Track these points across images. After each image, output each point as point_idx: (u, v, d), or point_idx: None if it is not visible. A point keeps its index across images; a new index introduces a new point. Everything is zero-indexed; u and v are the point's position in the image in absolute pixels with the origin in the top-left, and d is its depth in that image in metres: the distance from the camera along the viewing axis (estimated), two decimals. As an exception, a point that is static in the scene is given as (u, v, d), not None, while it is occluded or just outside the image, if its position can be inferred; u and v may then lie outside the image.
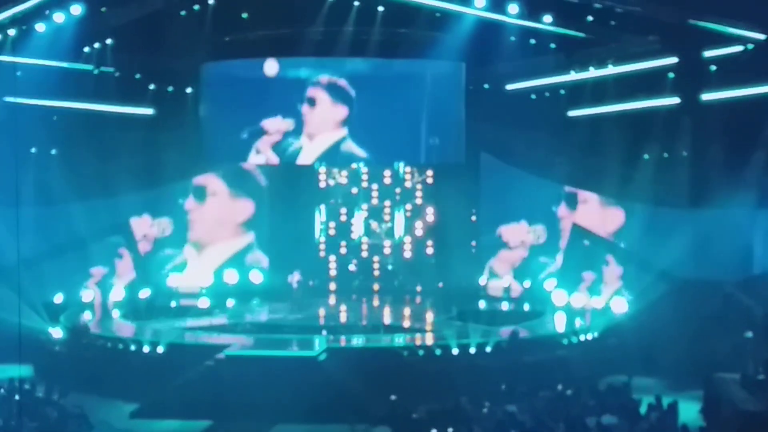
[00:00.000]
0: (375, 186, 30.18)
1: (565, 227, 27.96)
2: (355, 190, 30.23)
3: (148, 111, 27.24)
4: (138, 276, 28.32)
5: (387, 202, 30.20)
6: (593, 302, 26.00)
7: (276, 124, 27.49)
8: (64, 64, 24.29)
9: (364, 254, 30.28)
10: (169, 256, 29.31)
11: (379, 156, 27.92)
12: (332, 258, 30.31)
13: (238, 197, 29.58)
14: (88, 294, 27.05)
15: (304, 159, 27.90)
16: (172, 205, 29.35)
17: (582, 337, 23.19)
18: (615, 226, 27.12)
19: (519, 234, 28.96)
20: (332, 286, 30.00)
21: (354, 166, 29.38)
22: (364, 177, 30.09)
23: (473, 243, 29.48)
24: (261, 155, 27.84)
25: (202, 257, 29.39)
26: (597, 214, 27.48)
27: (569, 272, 27.19)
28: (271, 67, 27.06)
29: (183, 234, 29.39)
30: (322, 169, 29.91)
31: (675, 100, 23.45)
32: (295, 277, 29.10)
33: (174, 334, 22.99)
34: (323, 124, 27.59)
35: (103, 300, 27.04)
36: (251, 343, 22.38)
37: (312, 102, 27.49)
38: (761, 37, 21.10)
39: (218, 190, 29.51)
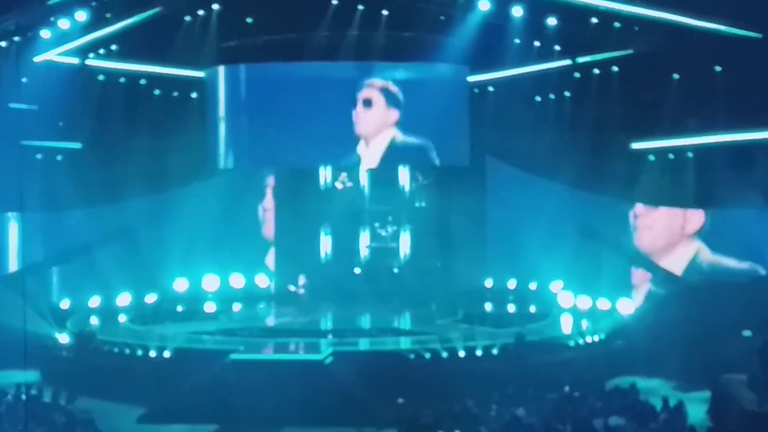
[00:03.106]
0: (380, 189, 30.15)
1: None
2: (360, 194, 30.22)
3: (153, 116, 27.27)
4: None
5: (392, 206, 30.18)
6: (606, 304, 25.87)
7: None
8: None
9: (370, 257, 30.26)
10: None
11: (384, 159, 27.89)
12: (338, 261, 30.29)
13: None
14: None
15: (368, 164, 28.04)
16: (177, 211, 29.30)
17: (589, 339, 23.17)
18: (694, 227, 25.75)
19: None
20: (338, 289, 29.97)
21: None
22: (370, 180, 30.08)
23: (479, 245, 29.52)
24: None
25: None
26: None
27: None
28: None
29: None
30: (328, 173, 29.91)
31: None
32: (299, 281, 29.06)
33: (181, 339, 22.98)
34: (376, 126, 27.62)
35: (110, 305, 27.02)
36: (258, 348, 22.40)
37: (368, 103, 27.47)
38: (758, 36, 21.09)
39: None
